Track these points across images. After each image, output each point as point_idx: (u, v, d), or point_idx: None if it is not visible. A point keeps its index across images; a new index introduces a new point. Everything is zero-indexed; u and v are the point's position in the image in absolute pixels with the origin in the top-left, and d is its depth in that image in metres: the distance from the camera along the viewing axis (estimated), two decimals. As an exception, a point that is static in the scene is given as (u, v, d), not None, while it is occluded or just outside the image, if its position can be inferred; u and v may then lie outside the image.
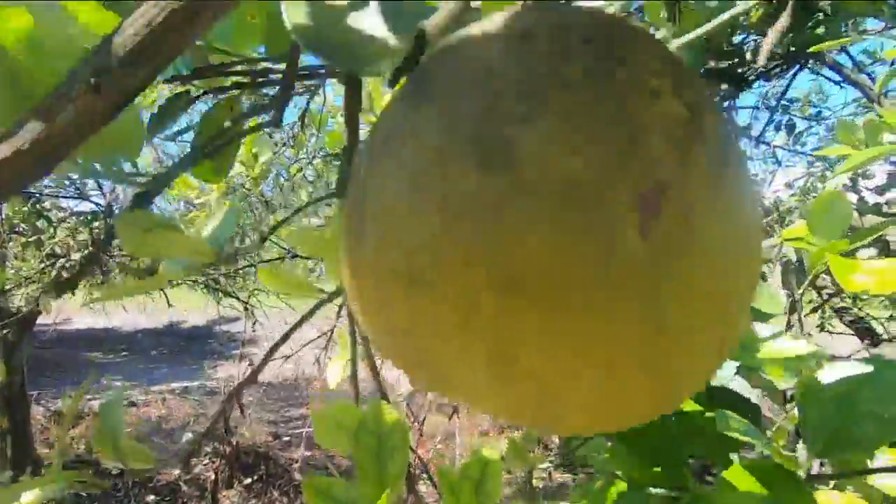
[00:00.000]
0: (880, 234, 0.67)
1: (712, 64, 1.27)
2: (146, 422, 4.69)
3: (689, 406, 0.48)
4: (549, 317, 0.16)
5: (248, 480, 4.00)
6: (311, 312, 0.56)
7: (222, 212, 0.37)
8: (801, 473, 0.38)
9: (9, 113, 0.24)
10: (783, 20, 0.98)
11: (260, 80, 0.40)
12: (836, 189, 0.70)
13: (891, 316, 1.77)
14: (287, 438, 4.72)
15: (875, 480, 0.46)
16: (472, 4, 0.22)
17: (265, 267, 0.48)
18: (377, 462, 0.40)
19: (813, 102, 2.26)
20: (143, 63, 0.20)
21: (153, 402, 5.13)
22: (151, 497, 3.72)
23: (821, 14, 1.00)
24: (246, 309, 3.65)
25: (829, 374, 0.39)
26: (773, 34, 1.06)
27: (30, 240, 2.74)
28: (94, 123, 0.21)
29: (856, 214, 1.51)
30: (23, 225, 2.98)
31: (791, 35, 1.02)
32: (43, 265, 2.92)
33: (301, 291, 0.48)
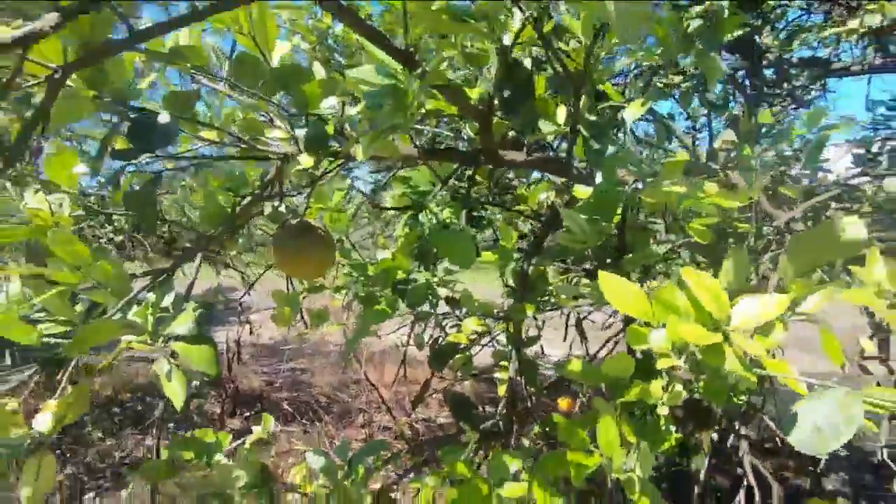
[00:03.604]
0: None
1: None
2: (155, 375, 5.69)
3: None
4: (298, 263, 1.20)
5: (248, 413, 5.08)
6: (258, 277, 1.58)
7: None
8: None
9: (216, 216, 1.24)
10: None
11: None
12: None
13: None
14: (278, 384, 5.78)
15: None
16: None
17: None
18: (290, 305, 1.43)
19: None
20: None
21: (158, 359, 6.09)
22: (171, 425, 4.77)
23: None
24: (243, 279, 4.59)
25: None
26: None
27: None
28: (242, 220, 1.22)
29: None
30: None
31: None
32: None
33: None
